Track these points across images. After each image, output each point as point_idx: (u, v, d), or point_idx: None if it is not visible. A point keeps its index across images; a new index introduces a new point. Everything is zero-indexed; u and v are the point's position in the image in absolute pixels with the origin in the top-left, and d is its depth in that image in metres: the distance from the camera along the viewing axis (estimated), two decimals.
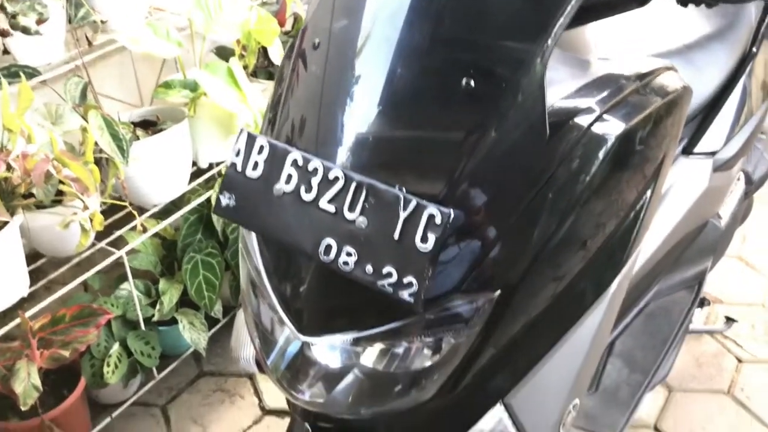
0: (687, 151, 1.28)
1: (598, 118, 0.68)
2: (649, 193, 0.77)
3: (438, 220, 0.60)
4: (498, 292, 0.67)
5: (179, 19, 1.61)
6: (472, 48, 0.65)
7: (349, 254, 0.63)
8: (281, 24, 1.73)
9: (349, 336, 0.69)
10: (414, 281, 0.61)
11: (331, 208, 0.64)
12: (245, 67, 1.61)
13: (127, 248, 1.49)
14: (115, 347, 1.55)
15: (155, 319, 1.61)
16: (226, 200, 0.69)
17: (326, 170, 0.64)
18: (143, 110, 1.62)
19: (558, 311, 0.74)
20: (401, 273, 0.61)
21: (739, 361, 1.79)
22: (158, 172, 1.51)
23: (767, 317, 1.90)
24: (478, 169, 0.64)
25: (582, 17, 0.79)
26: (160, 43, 1.47)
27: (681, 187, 1.25)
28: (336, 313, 0.70)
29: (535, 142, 0.64)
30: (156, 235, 1.63)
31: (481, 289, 0.66)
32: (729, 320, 1.80)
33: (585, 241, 0.71)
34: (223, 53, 1.75)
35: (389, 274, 0.62)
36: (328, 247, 0.63)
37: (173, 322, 1.65)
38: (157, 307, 1.61)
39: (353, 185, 0.63)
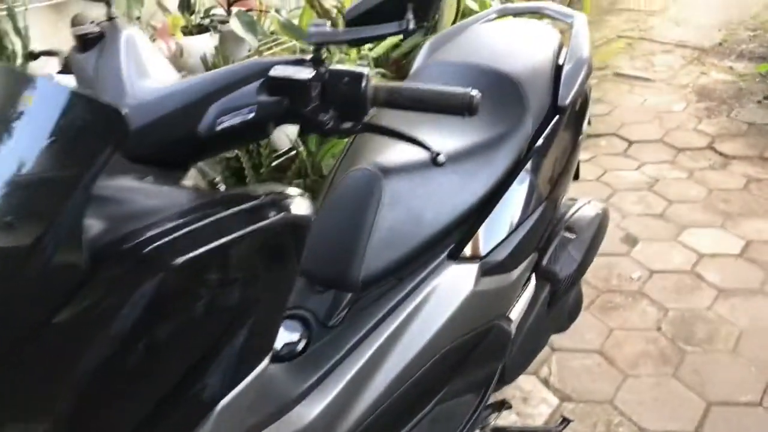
0: (453, 255, 1.31)
1: (155, 247, 0.70)
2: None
3: None
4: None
5: None
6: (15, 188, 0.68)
7: None
8: None
9: None
10: None
11: None
12: None
13: None
14: None
15: None
16: None
17: None
18: None
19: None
20: None
21: None
22: None
23: (610, 417, 1.88)
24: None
25: (207, 155, 0.84)
26: None
27: (445, 291, 1.28)
28: None
29: (73, 271, 0.66)
30: None
31: None
32: (564, 420, 1.78)
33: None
34: None
35: None
36: None
37: None
38: None
39: None
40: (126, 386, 0.72)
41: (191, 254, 0.72)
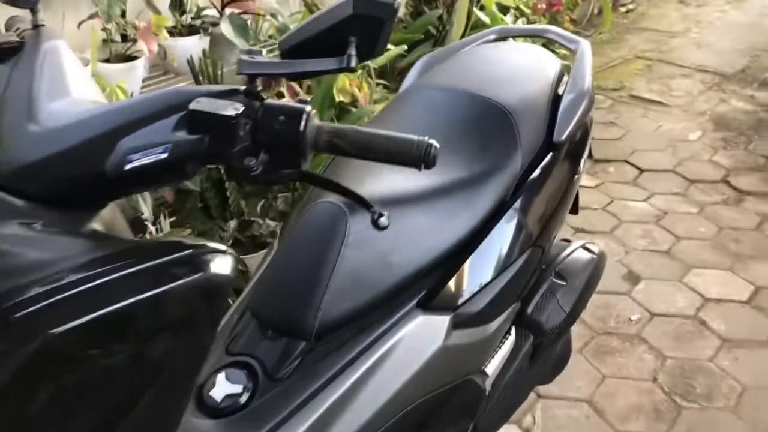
0: (423, 304, 1.18)
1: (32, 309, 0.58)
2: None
3: None
4: None
5: None
6: None
7: None
8: None
9: None
10: None
11: None
12: None
13: None
14: None
15: None
16: None
17: None
18: None
19: None
20: None
21: None
22: None
23: None
24: None
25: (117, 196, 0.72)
26: None
27: (411, 344, 1.15)
28: None
29: None
30: None
31: None
32: None
33: None
34: None
35: None
36: None
37: None
38: None
39: None
40: None
41: (76, 322, 0.60)
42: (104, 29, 2.00)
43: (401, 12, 3.42)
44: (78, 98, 0.75)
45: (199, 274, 0.69)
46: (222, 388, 1.04)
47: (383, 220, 0.81)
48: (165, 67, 2.26)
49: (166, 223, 2.00)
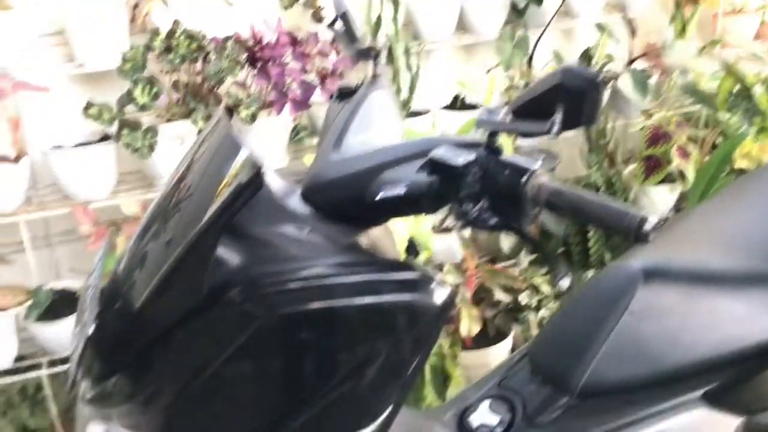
0: (711, 398, 1.07)
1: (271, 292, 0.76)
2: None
3: None
4: None
5: None
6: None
7: None
8: None
9: None
10: None
11: None
12: None
13: None
14: None
15: None
16: None
17: None
18: None
19: None
20: None
21: None
22: None
23: None
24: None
25: (377, 219, 0.86)
26: None
27: None
28: None
29: (191, 295, 0.76)
30: None
31: None
32: None
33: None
34: None
35: None
36: None
37: None
38: None
39: None
40: (224, 406, 0.80)
41: (300, 308, 0.77)
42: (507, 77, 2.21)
43: None
44: (374, 137, 0.93)
45: (416, 296, 0.80)
46: (482, 415, 1.12)
47: (647, 226, 0.72)
48: None
49: (525, 260, 2.12)
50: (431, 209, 0.81)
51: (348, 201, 0.84)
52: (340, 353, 0.80)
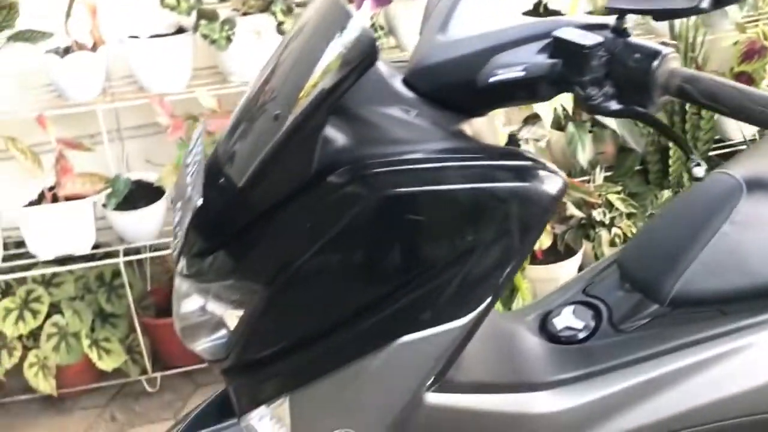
0: None
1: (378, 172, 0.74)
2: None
3: None
4: None
5: None
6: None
7: None
8: None
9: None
10: None
11: None
12: None
13: None
14: None
15: None
16: None
17: None
18: None
19: None
20: None
21: None
22: None
23: None
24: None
25: (485, 106, 0.83)
26: None
27: None
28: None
29: (300, 174, 0.75)
30: None
31: None
32: None
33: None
34: None
35: None
36: None
37: None
38: None
39: None
40: (325, 286, 0.80)
41: (406, 190, 0.75)
42: None
43: None
44: (483, 21, 0.88)
45: (527, 184, 0.77)
46: (566, 319, 1.10)
47: (698, 170, 0.75)
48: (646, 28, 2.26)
49: (600, 176, 2.07)
50: (549, 95, 0.77)
51: (456, 86, 0.80)
52: (446, 239, 0.78)
